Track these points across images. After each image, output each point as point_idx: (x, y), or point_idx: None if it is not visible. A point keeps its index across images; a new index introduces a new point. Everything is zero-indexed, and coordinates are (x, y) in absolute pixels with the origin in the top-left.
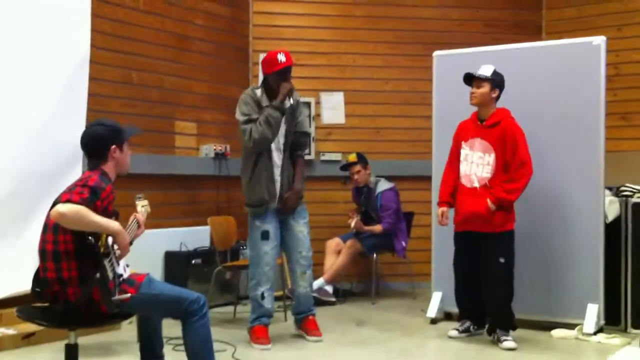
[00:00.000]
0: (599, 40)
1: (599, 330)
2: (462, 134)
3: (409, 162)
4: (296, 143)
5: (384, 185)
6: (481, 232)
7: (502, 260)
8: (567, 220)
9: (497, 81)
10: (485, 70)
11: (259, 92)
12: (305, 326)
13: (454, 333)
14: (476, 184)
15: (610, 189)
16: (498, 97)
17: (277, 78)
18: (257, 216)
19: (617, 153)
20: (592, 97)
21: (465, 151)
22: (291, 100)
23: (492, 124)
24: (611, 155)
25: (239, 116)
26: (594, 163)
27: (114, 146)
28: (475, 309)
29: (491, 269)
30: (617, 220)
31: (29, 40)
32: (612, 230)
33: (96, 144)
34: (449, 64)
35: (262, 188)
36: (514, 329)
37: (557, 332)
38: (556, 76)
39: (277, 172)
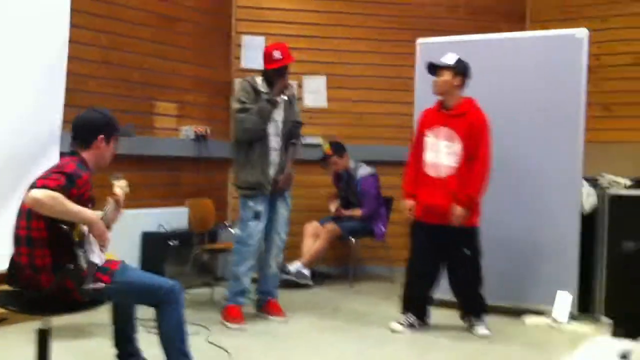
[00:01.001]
0: (582, 33)
1: (572, 318)
2: (426, 122)
3: (390, 148)
4: (291, 132)
5: (364, 171)
6: (444, 225)
7: (467, 251)
8: (544, 210)
9: (459, 69)
10: (448, 59)
11: (259, 80)
12: (269, 308)
13: (398, 327)
14: (443, 175)
15: (588, 179)
16: (462, 85)
17: (274, 74)
18: (250, 197)
19: (598, 144)
20: (573, 90)
21: (430, 139)
22: (289, 92)
23: (458, 114)
24: (592, 146)
25: (235, 104)
26: (573, 154)
27: (101, 136)
28: (422, 303)
29: (457, 260)
30: (594, 211)
31: (7, 21)
32: (589, 221)
33: (86, 128)
34: (432, 51)
35: (258, 172)
36: (486, 312)
37: (529, 320)
38: (539, 67)
39: (274, 155)
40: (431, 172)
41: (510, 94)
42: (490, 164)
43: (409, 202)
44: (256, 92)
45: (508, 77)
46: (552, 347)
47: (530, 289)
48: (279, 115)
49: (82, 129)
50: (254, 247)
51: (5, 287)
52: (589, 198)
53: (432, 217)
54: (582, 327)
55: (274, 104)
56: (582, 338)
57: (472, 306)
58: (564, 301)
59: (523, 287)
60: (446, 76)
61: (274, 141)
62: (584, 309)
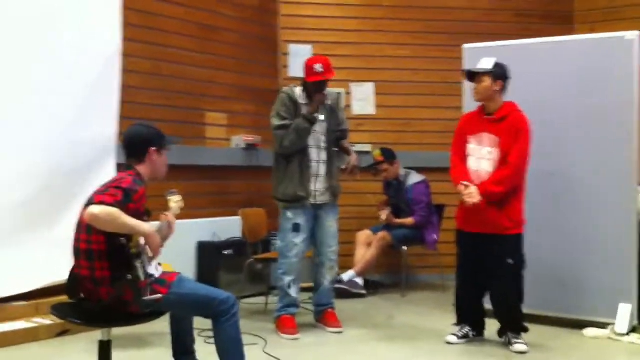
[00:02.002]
0: (632, 35)
1: (632, 330)
2: (468, 128)
3: (439, 154)
4: (340, 137)
5: (414, 178)
6: (487, 234)
7: (510, 261)
8: (599, 217)
9: (498, 73)
10: (485, 64)
11: (298, 90)
12: (326, 318)
13: (453, 339)
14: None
15: None
16: (503, 89)
17: (312, 87)
18: (289, 209)
19: None
20: (625, 93)
21: (472, 145)
22: (331, 100)
23: (500, 118)
24: None
25: (273, 119)
26: (627, 159)
27: (153, 148)
28: (476, 314)
29: (499, 271)
30: None
31: (61, 34)
32: None
33: (136, 143)
34: (478, 56)
35: (297, 184)
36: (525, 331)
37: (589, 332)
38: (588, 70)
39: (314, 167)
40: (475, 179)
41: (560, 99)
42: (522, 168)
43: (463, 184)
44: (295, 104)
45: (557, 82)
46: None
47: (589, 299)
48: (319, 126)
49: (133, 145)
50: (294, 259)
51: (65, 298)
52: None
53: (474, 226)
54: None
55: (312, 122)
56: None
57: (511, 321)
58: (625, 312)
59: (581, 297)
60: (486, 82)
61: (315, 153)
62: None
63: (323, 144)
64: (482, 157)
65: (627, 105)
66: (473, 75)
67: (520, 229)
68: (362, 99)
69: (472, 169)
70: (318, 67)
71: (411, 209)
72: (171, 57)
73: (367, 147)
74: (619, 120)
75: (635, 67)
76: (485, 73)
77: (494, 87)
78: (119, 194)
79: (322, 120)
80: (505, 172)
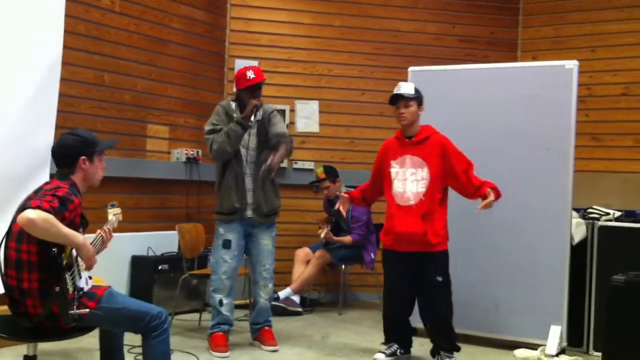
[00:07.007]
0: (572, 64)
1: (562, 351)
2: (390, 153)
3: None
4: (274, 142)
5: None
6: (415, 252)
7: (439, 279)
8: (533, 241)
9: (420, 98)
10: (409, 89)
11: (233, 104)
12: (262, 336)
13: (381, 357)
14: (412, 202)
15: (577, 210)
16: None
17: (246, 94)
18: (222, 223)
19: (587, 173)
20: (563, 120)
21: (395, 169)
22: (259, 116)
23: (421, 139)
24: (580, 175)
25: (206, 127)
26: (562, 185)
27: (83, 157)
28: (404, 332)
29: (429, 289)
30: (583, 242)
31: (2, 39)
32: (578, 252)
33: (65, 154)
34: (423, 79)
35: (232, 197)
36: (458, 350)
37: (519, 353)
38: (529, 97)
39: (248, 181)
40: (400, 201)
41: (500, 124)
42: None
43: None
44: (228, 116)
45: (498, 106)
46: None
47: (520, 320)
48: (251, 142)
49: (61, 156)
50: (223, 276)
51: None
52: (578, 229)
53: (403, 245)
54: None
55: (244, 127)
56: None
57: (443, 340)
58: (555, 334)
59: (513, 318)
60: (413, 107)
61: (248, 168)
62: (575, 342)
63: (254, 159)
64: (405, 178)
65: (565, 132)
66: (397, 99)
67: (445, 245)
68: (306, 117)
69: (397, 192)
70: (250, 74)
71: (351, 228)
72: (114, 68)
73: (310, 165)
74: (556, 147)
75: (574, 95)
76: (413, 98)
77: (419, 111)
78: (55, 202)
79: (253, 137)
80: (481, 179)
